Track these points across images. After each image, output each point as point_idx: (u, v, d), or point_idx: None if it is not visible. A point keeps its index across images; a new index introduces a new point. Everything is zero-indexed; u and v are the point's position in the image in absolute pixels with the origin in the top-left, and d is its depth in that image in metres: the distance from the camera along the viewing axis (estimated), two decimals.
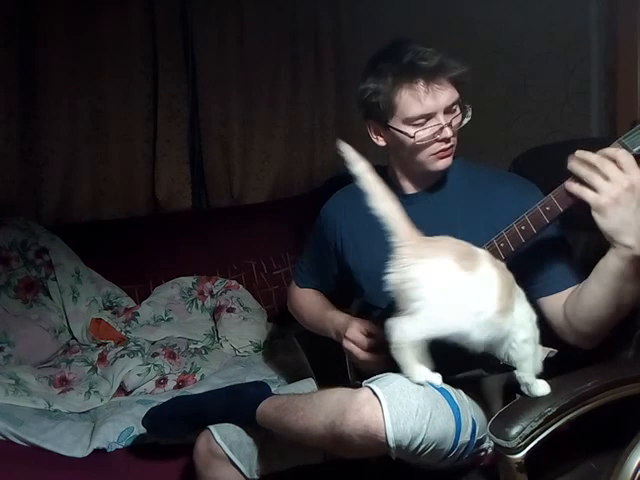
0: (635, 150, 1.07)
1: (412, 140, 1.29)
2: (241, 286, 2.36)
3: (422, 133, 1.29)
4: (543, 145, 1.62)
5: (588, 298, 1.16)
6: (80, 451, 1.54)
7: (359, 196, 1.51)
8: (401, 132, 1.30)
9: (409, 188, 1.42)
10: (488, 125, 2.45)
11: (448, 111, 1.29)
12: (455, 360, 1.24)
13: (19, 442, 1.56)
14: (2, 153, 2.25)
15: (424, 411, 1.06)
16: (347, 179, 1.60)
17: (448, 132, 1.29)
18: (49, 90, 2.32)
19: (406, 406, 1.05)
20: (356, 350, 1.36)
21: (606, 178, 1.05)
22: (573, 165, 1.08)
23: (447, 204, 1.37)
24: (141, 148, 2.54)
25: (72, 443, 1.57)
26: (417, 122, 1.29)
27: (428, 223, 1.36)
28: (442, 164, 1.34)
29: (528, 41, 2.33)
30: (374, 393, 1.08)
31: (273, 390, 1.43)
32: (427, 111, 1.27)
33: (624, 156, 1.05)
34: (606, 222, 1.06)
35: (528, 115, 2.39)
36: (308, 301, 1.61)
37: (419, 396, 1.08)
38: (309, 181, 2.89)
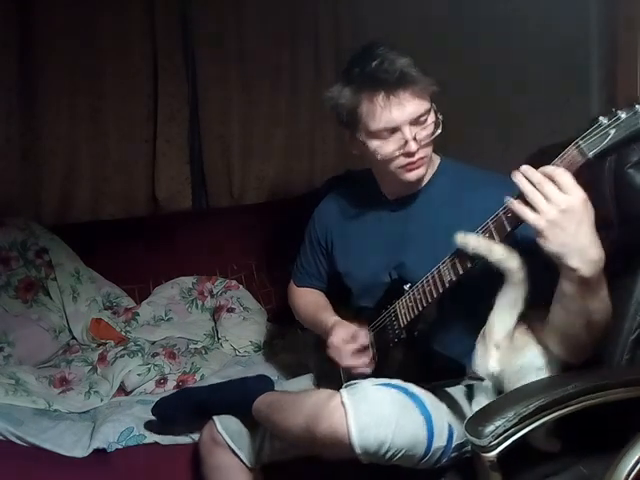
0: (590, 155, 1.00)
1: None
2: (241, 286, 2.36)
3: (385, 148, 1.26)
4: (543, 145, 1.62)
5: (554, 320, 1.11)
6: (80, 451, 1.54)
7: (351, 199, 1.53)
8: (365, 145, 1.28)
9: (392, 194, 1.41)
10: (488, 125, 2.45)
11: (416, 123, 1.25)
12: (439, 368, 1.26)
13: (19, 442, 1.55)
14: (2, 153, 2.25)
15: (389, 420, 1.09)
16: (346, 179, 1.61)
17: (413, 146, 1.24)
18: (49, 90, 2.32)
19: (371, 415, 1.09)
20: (338, 357, 1.37)
21: (545, 199, 1.00)
22: (519, 180, 1.03)
23: (431, 207, 1.36)
24: (141, 148, 2.54)
25: (72, 443, 1.57)
26: (381, 135, 1.26)
27: (412, 227, 1.36)
28: (412, 176, 1.30)
29: (528, 41, 2.33)
30: (342, 401, 1.11)
31: (276, 388, 1.46)
32: (388, 125, 1.24)
33: (562, 175, 0.99)
34: (547, 244, 1.00)
35: (528, 115, 2.39)
36: (304, 300, 1.63)
37: (385, 405, 1.11)
38: (309, 181, 2.89)
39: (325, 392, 1.21)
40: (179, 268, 2.37)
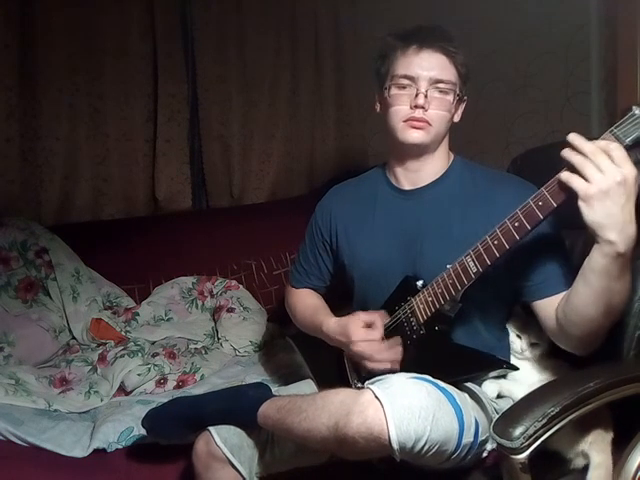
0: (628, 141, 1.01)
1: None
2: (241, 286, 2.36)
3: (398, 97, 1.32)
4: (543, 145, 1.62)
5: (576, 299, 1.13)
6: (80, 451, 1.54)
7: (353, 193, 1.52)
8: (385, 97, 1.34)
9: (406, 184, 1.42)
10: (488, 125, 2.46)
11: (435, 85, 1.31)
12: (460, 362, 1.24)
13: (19, 442, 1.55)
14: (2, 153, 2.25)
15: (427, 412, 1.05)
16: (347, 178, 1.61)
17: (420, 100, 1.29)
18: (49, 90, 2.32)
19: (408, 408, 1.05)
20: (371, 348, 1.31)
21: (599, 169, 1.00)
22: (566, 153, 1.03)
23: (444, 201, 1.37)
24: (141, 148, 2.54)
25: (72, 443, 1.56)
26: (400, 82, 1.32)
27: (424, 219, 1.37)
28: (412, 136, 1.33)
29: (528, 41, 2.33)
30: (376, 396, 1.07)
31: (273, 390, 1.42)
32: (410, 73, 1.30)
33: (617, 150, 1.00)
34: (592, 213, 1.01)
35: (528, 115, 2.39)
36: (301, 303, 1.61)
37: (421, 397, 1.07)
38: (309, 181, 2.89)
39: (350, 389, 1.18)
40: (179, 268, 2.37)
